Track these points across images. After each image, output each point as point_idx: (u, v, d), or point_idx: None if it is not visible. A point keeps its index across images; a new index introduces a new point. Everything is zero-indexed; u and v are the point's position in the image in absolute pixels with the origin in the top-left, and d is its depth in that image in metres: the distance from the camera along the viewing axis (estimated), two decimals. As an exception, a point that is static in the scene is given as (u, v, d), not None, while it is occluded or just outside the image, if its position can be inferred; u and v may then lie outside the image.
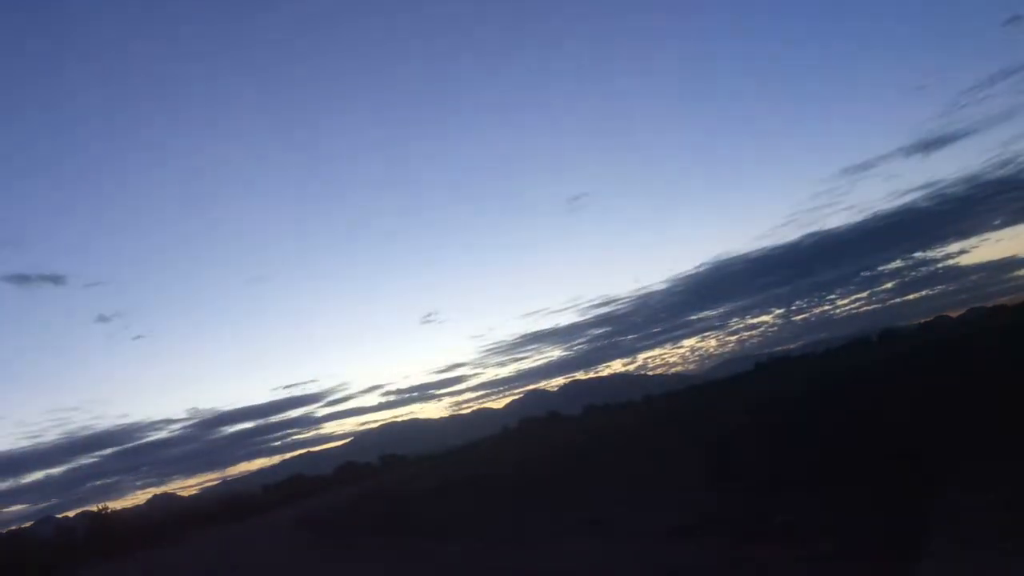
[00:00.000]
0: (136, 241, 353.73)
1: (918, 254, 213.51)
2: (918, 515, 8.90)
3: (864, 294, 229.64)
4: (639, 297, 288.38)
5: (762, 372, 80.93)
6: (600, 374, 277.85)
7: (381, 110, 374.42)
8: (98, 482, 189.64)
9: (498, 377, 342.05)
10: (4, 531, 63.25)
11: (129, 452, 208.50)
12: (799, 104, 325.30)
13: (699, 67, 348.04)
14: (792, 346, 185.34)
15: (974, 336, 45.16)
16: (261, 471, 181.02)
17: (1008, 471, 9.88)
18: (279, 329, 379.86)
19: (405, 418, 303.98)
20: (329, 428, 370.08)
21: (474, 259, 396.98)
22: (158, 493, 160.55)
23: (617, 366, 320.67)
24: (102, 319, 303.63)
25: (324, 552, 21.21)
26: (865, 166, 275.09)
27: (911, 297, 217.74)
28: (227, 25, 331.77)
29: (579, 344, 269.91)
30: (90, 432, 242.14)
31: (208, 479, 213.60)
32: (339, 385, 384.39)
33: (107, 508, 51.54)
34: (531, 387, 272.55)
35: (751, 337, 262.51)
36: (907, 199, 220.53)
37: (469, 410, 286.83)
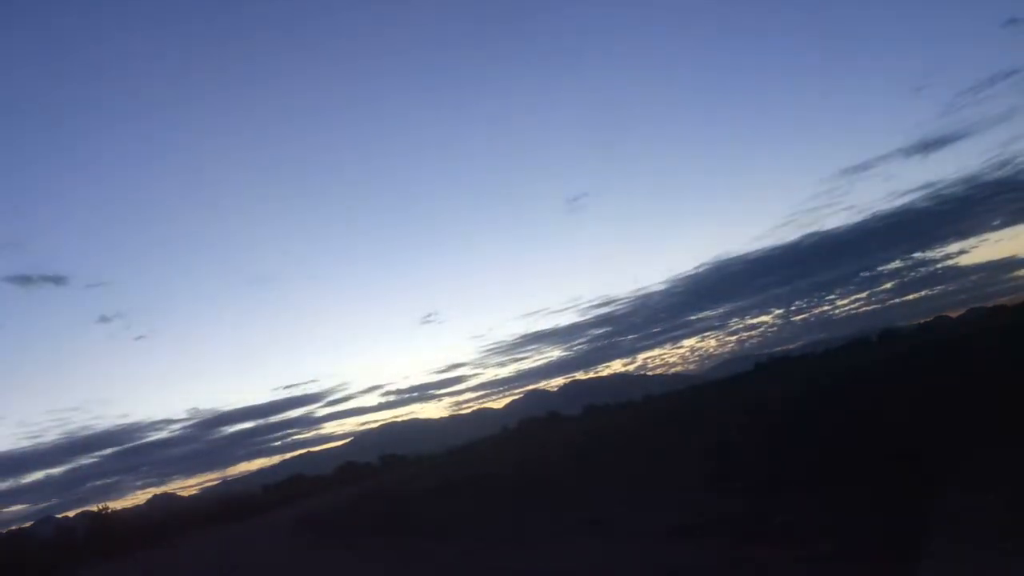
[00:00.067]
0: (137, 242, 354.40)
1: (917, 254, 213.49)
2: (918, 515, 8.89)
3: (864, 294, 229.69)
4: (639, 297, 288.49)
5: (762, 372, 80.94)
6: (600, 374, 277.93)
7: (381, 110, 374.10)
8: (98, 482, 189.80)
9: (498, 377, 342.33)
10: (4, 531, 63.32)
11: (129, 452, 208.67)
12: (798, 105, 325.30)
13: (698, 68, 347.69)
14: (792, 346, 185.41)
15: (974, 336, 45.16)
16: (261, 471, 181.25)
17: (1008, 471, 9.88)
18: (279, 329, 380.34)
19: (405, 418, 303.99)
20: (329, 428, 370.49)
21: (474, 259, 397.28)
22: (158, 493, 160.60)
23: (617, 366, 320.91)
24: (103, 319, 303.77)
25: (324, 552, 21.21)
26: (864, 167, 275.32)
27: (911, 297, 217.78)
28: (227, 26, 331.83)
29: (579, 344, 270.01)
30: (90, 432, 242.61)
31: (208, 479, 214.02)
32: (339, 385, 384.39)
33: (107, 508, 51.58)
34: (531, 387, 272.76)
35: (751, 337, 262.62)
36: (906, 199, 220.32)
37: (469, 410, 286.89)
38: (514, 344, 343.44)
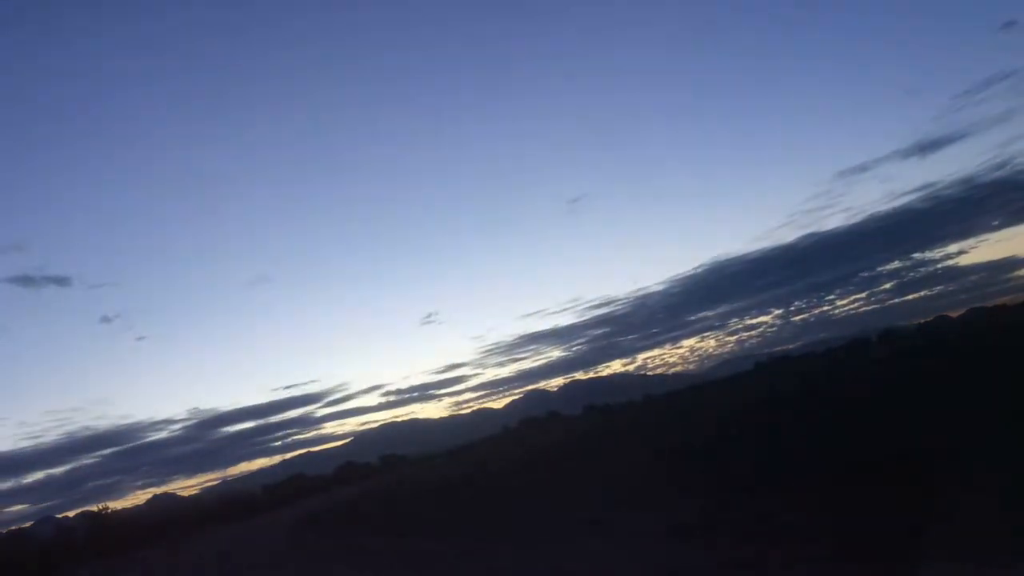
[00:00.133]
0: (139, 244, 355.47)
1: (916, 255, 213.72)
2: (918, 515, 8.90)
3: (863, 294, 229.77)
4: (638, 298, 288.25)
5: (762, 372, 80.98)
6: (600, 374, 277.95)
7: (381, 111, 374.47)
8: (99, 482, 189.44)
9: (498, 377, 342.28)
10: (4, 531, 63.26)
11: (130, 452, 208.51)
12: (796, 107, 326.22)
13: (697, 70, 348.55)
14: (791, 346, 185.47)
15: (974, 336, 45.16)
16: (261, 471, 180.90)
17: (1008, 471, 9.88)
18: (279, 330, 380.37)
19: (405, 418, 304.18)
20: (329, 428, 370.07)
21: (474, 260, 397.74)
22: (158, 493, 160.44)
23: (617, 366, 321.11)
24: (105, 320, 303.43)
25: (324, 552, 21.21)
26: (862, 168, 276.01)
27: (910, 297, 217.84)
28: (228, 28, 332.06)
29: (578, 344, 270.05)
30: (91, 432, 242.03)
31: (208, 479, 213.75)
32: (339, 385, 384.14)
33: (107, 508, 51.52)
34: (531, 387, 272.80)
35: (750, 337, 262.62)
36: (904, 200, 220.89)
37: (469, 410, 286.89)
38: (514, 344, 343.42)
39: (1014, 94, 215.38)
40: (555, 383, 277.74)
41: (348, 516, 30.36)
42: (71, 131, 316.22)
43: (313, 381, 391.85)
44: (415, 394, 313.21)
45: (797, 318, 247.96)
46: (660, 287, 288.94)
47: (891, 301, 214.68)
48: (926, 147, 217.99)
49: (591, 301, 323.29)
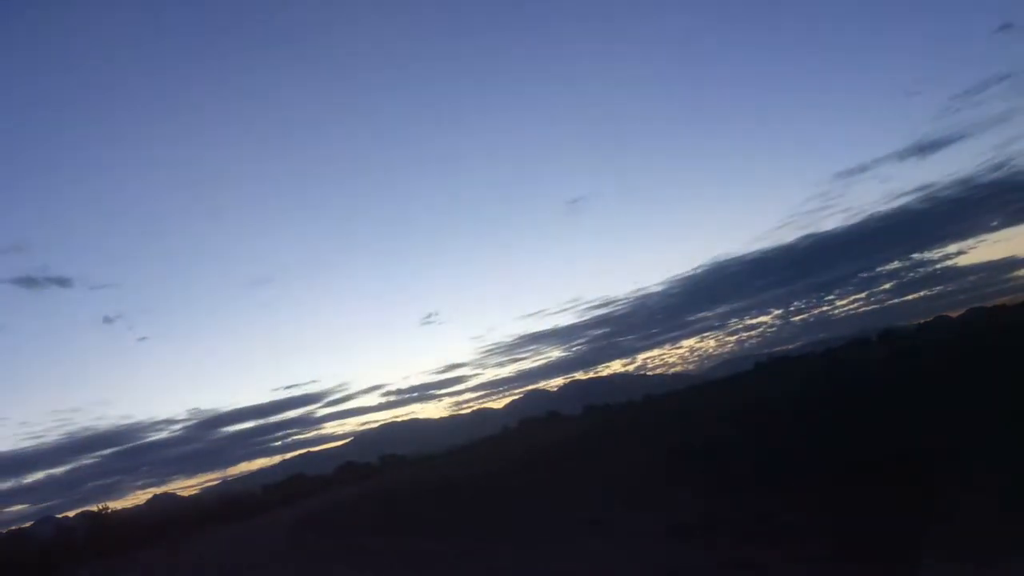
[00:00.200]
0: (141, 245, 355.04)
1: (916, 255, 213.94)
2: (918, 515, 8.90)
3: (862, 295, 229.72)
4: (637, 298, 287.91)
5: (762, 372, 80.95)
6: (600, 374, 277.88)
7: (381, 113, 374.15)
8: (99, 482, 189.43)
9: (498, 377, 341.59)
10: (4, 531, 63.25)
11: (130, 452, 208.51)
12: (794, 109, 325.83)
13: (696, 71, 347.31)
14: (791, 346, 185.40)
15: (974, 336, 45.18)
16: (261, 471, 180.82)
17: (1008, 471, 9.89)
18: (280, 330, 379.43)
19: (405, 418, 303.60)
20: (329, 428, 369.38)
21: (474, 261, 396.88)
22: (158, 493, 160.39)
23: (617, 366, 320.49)
24: (107, 321, 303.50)
25: (324, 552, 21.21)
26: (860, 169, 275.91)
27: (910, 298, 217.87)
28: (229, 33, 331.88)
29: (578, 344, 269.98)
30: (92, 432, 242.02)
31: (208, 479, 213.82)
32: (339, 385, 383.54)
33: (107, 508, 51.47)
34: (531, 387, 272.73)
35: (750, 337, 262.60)
36: (902, 201, 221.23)
37: (469, 410, 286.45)
38: (514, 344, 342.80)
39: (1012, 95, 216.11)
40: (555, 383, 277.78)
41: (348, 516, 30.36)
42: (73, 132, 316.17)
43: (313, 381, 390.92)
44: (415, 394, 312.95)
45: (797, 318, 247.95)
46: (660, 287, 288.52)
47: (890, 301, 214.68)
48: (924, 148, 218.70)
49: (591, 301, 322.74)
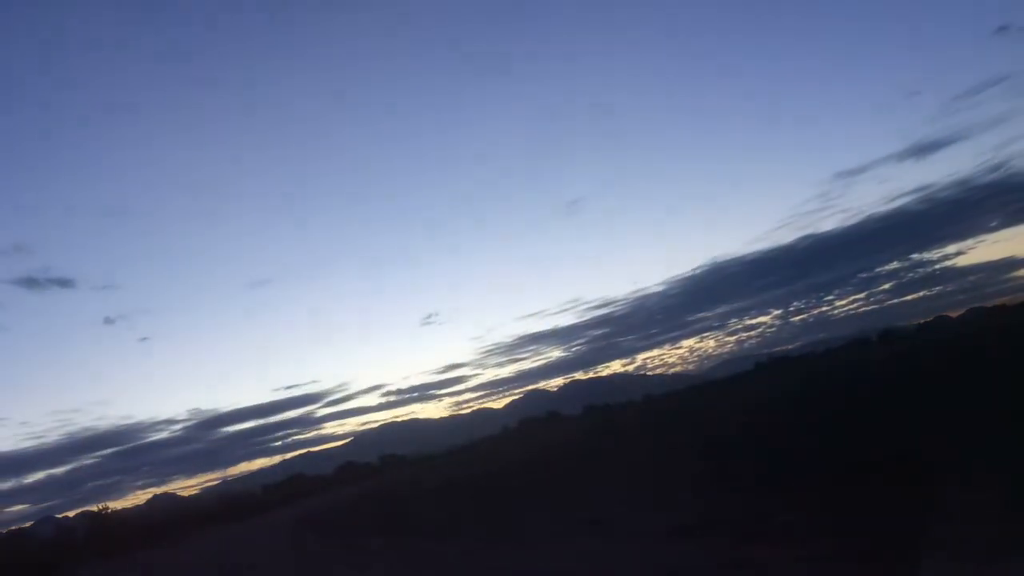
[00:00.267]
0: (142, 246, 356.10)
1: (915, 255, 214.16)
2: (918, 515, 8.90)
3: (862, 295, 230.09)
4: (637, 299, 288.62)
5: (762, 372, 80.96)
6: (600, 374, 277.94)
7: (381, 113, 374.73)
8: (100, 482, 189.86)
9: (498, 377, 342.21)
10: (4, 531, 63.25)
11: (131, 452, 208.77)
12: (793, 110, 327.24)
13: (695, 73, 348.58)
14: (791, 346, 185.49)
15: (974, 336, 45.17)
16: (261, 471, 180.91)
17: (1008, 471, 9.89)
18: (280, 331, 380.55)
19: (405, 418, 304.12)
20: (329, 428, 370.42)
21: (474, 261, 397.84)
22: (158, 493, 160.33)
23: (616, 366, 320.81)
24: (108, 322, 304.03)
25: (324, 552, 21.20)
26: (858, 170, 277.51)
27: (909, 298, 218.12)
28: (228, 30, 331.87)
29: (578, 345, 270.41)
30: (92, 432, 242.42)
31: (208, 479, 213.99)
32: (339, 385, 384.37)
33: (107, 508, 51.50)
34: (531, 387, 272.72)
35: (750, 338, 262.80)
36: (901, 202, 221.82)
37: (469, 410, 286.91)
38: (514, 345, 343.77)
39: (1009, 97, 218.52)
40: (555, 383, 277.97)
41: (348, 516, 30.36)
42: (75, 134, 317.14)
43: (313, 381, 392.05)
44: (415, 394, 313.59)
45: (796, 318, 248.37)
46: (659, 288, 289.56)
47: (890, 301, 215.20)
48: (922, 149, 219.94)
49: (591, 302, 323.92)
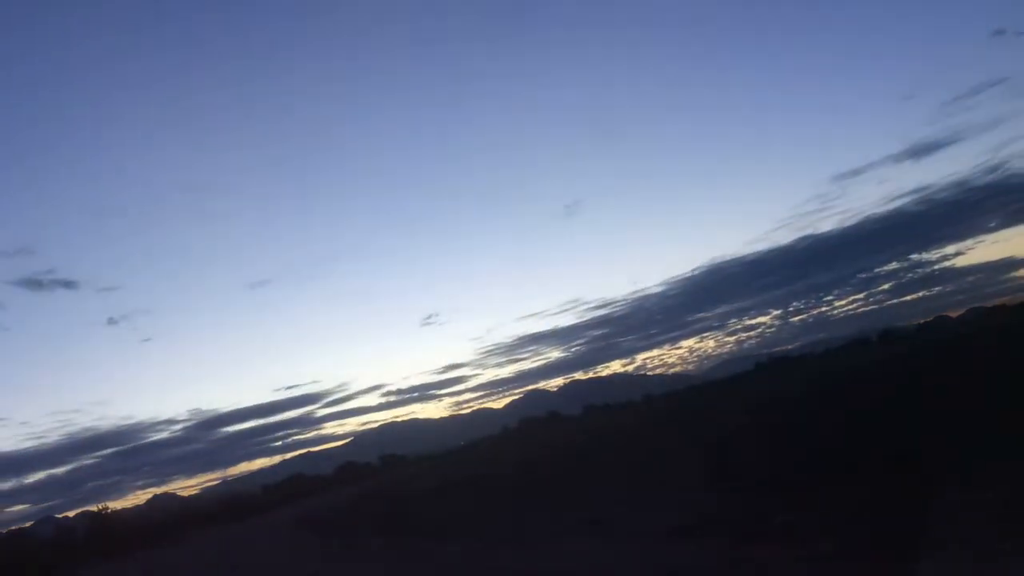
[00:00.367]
0: (144, 247, 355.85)
1: (914, 256, 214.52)
2: (918, 515, 8.90)
3: (861, 295, 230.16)
4: (636, 299, 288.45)
5: (762, 372, 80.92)
6: (599, 374, 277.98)
7: (381, 115, 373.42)
8: (99, 482, 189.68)
9: (498, 378, 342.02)
10: (4, 531, 63.28)
11: (131, 452, 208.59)
12: (790, 112, 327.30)
13: (694, 75, 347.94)
14: (791, 346, 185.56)
15: (974, 336, 45.18)
16: (261, 471, 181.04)
17: (1008, 471, 9.89)
18: (280, 330, 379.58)
19: (405, 418, 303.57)
20: (329, 428, 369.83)
21: (474, 262, 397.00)
22: (158, 493, 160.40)
23: (616, 366, 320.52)
24: (111, 322, 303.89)
25: (324, 552, 21.21)
26: (856, 172, 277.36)
27: (908, 298, 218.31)
28: (227, 31, 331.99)
29: (578, 345, 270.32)
30: (93, 433, 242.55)
31: (208, 479, 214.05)
32: (339, 385, 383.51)
33: (107, 508, 51.55)
34: (531, 387, 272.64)
35: (749, 338, 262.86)
36: (899, 203, 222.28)
37: (469, 410, 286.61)
38: (514, 345, 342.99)
39: (1005, 99, 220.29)
40: (555, 383, 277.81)
41: (348, 516, 30.37)
42: (79, 137, 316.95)
43: (313, 381, 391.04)
44: (415, 394, 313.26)
45: (796, 319, 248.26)
46: (658, 289, 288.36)
47: (889, 302, 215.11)
48: (920, 151, 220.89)
49: (590, 302, 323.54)
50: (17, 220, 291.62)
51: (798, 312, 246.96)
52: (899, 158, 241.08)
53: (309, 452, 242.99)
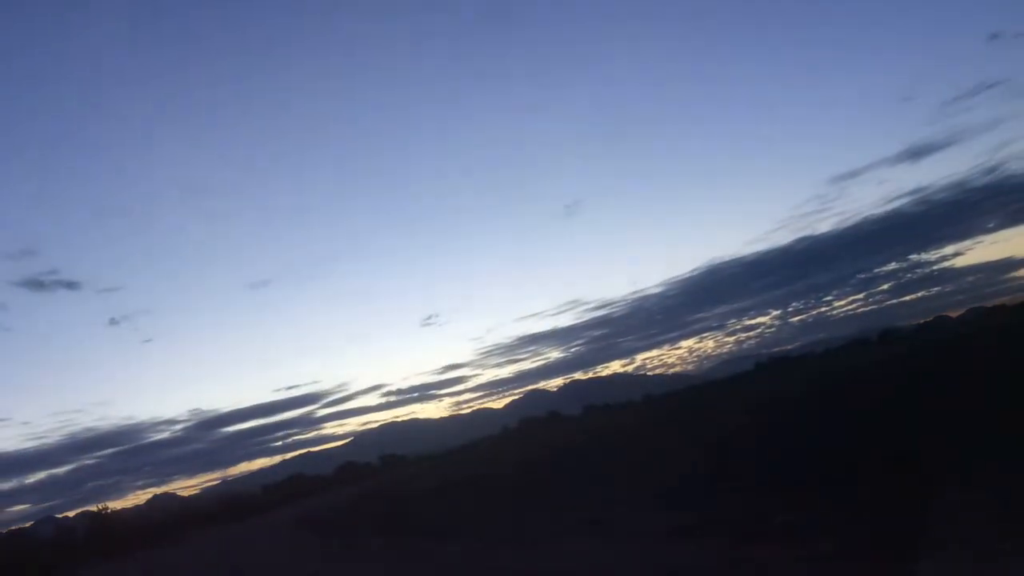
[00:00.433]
0: (146, 248, 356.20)
1: (913, 256, 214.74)
2: (918, 515, 8.91)
3: (861, 295, 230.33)
4: (635, 300, 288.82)
5: (762, 372, 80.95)
6: (599, 374, 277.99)
7: (381, 115, 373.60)
8: (100, 482, 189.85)
9: (498, 378, 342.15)
10: (4, 531, 63.30)
11: (131, 452, 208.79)
12: (788, 114, 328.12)
13: (693, 77, 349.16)
14: (790, 346, 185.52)
15: (974, 336, 45.20)
16: (261, 471, 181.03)
17: (1008, 471, 9.89)
18: (281, 331, 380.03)
19: (405, 418, 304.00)
20: (329, 428, 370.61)
21: (474, 263, 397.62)
22: (158, 493, 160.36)
23: (616, 367, 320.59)
24: (113, 323, 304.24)
25: (324, 552, 21.21)
26: (853, 174, 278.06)
27: (908, 298, 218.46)
28: (226, 31, 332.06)
29: (577, 345, 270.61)
30: (93, 433, 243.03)
31: (209, 479, 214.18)
32: (339, 385, 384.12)
33: (107, 508, 51.53)
34: (531, 387, 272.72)
35: (749, 338, 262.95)
36: (897, 204, 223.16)
37: (469, 410, 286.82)
38: (513, 345, 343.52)
39: (1002, 102, 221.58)
40: (555, 383, 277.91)
41: (348, 516, 30.37)
42: (80, 138, 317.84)
43: (313, 381, 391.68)
44: (415, 394, 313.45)
45: (796, 319, 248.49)
46: (658, 289, 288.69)
47: (889, 302, 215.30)
48: (917, 153, 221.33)
49: (590, 303, 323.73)
50: (19, 221, 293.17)
51: (798, 312, 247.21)
52: (897, 159, 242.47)
53: (309, 452, 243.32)
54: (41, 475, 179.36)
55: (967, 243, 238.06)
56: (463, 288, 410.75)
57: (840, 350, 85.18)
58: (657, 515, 13.18)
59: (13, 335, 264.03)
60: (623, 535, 12.43)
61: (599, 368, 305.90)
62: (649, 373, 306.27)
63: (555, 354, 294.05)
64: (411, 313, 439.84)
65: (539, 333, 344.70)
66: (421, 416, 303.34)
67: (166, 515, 62.72)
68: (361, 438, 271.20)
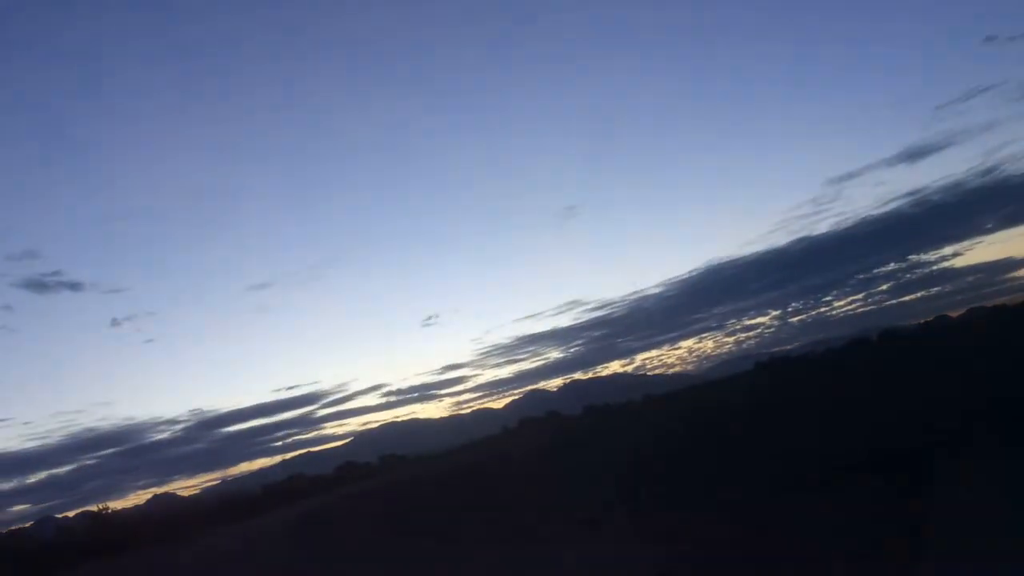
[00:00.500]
0: (147, 248, 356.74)
1: (912, 257, 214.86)
2: (918, 515, 8.91)
3: (860, 296, 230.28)
4: (634, 300, 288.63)
5: (762, 372, 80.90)
6: (599, 374, 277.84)
7: (381, 116, 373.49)
8: (100, 482, 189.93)
9: (498, 378, 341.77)
10: (4, 531, 63.30)
11: (131, 452, 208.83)
12: (786, 116, 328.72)
13: (690, 79, 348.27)
14: (790, 347, 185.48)
15: (974, 336, 45.22)
16: (261, 471, 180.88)
17: (1007, 471, 9.89)
18: (281, 331, 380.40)
19: (405, 418, 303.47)
20: (329, 428, 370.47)
21: (473, 263, 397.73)
22: (158, 493, 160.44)
23: (616, 367, 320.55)
24: (115, 324, 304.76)
25: (324, 552, 21.21)
26: (851, 175, 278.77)
27: (907, 299, 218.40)
28: (230, 37, 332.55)
29: (577, 346, 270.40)
30: (94, 433, 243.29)
31: (209, 479, 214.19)
32: (339, 385, 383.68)
33: (107, 508, 51.57)
34: (531, 387, 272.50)
35: (748, 338, 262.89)
36: (894, 206, 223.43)
37: (469, 410, 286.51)
38: (513, 346, 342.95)
39: (997, 104, 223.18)
40: (555, 383, 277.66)
41: (348, 516, 30.37)
42: (84, 141, 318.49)
43: (313, 381, 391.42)
44: (415, 394, 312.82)
45: (795, 319, 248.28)
46: (657, 290, 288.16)
47: (888, 302, 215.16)
48: (914, 154, 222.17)
49: (589, 304, 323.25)
50: (23, 223, 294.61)
51: (797, 313, 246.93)
52: (893, 161, 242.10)
53: (309, 452, 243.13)
54: (42, 475, 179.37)
55: (966, 243, 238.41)
56: (463, 288, 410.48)
57: (840, 350, 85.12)
58: (656, 515, 13.18)
59: (16, 336, 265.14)
60: (622, 535, 12.43)
61: (599, 368, 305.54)
62: (649, 373, 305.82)
63: (555, 354, 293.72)
64: (411, 313, 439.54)
65: (539, 333, 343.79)
66: (421, 416, 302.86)
67: (166, 515, 62.77)
68: (361, 438, 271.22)
